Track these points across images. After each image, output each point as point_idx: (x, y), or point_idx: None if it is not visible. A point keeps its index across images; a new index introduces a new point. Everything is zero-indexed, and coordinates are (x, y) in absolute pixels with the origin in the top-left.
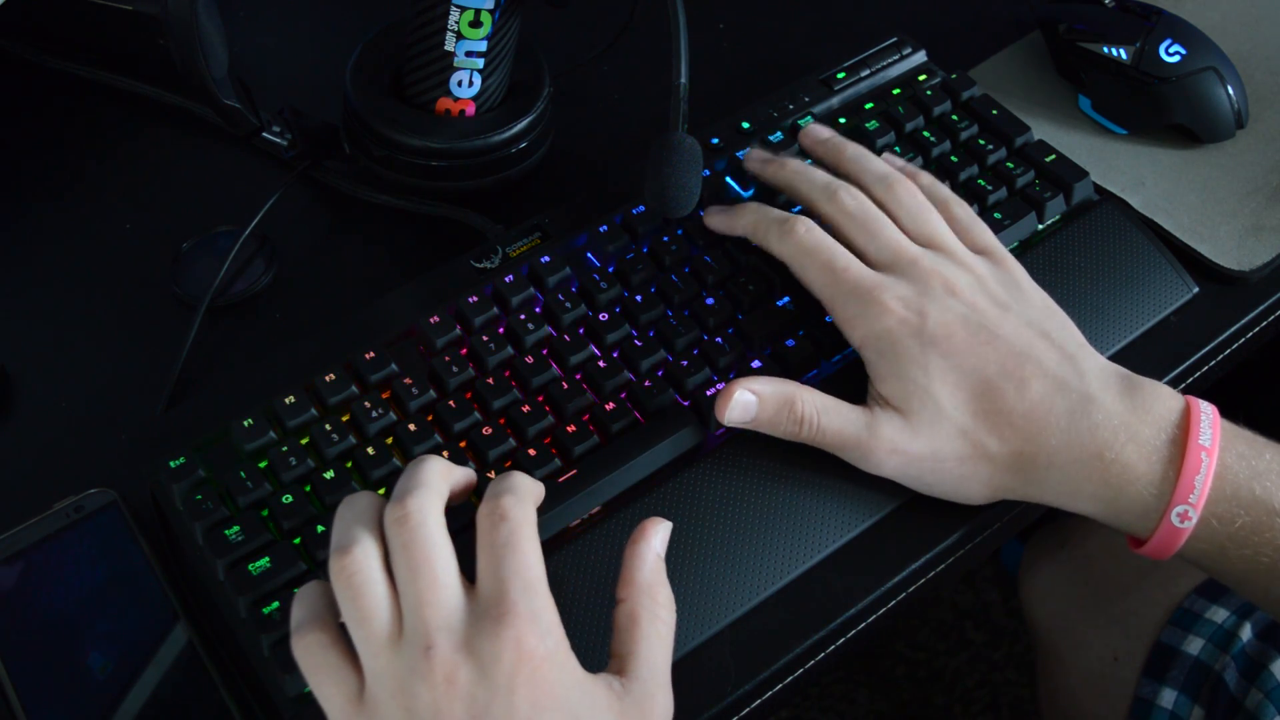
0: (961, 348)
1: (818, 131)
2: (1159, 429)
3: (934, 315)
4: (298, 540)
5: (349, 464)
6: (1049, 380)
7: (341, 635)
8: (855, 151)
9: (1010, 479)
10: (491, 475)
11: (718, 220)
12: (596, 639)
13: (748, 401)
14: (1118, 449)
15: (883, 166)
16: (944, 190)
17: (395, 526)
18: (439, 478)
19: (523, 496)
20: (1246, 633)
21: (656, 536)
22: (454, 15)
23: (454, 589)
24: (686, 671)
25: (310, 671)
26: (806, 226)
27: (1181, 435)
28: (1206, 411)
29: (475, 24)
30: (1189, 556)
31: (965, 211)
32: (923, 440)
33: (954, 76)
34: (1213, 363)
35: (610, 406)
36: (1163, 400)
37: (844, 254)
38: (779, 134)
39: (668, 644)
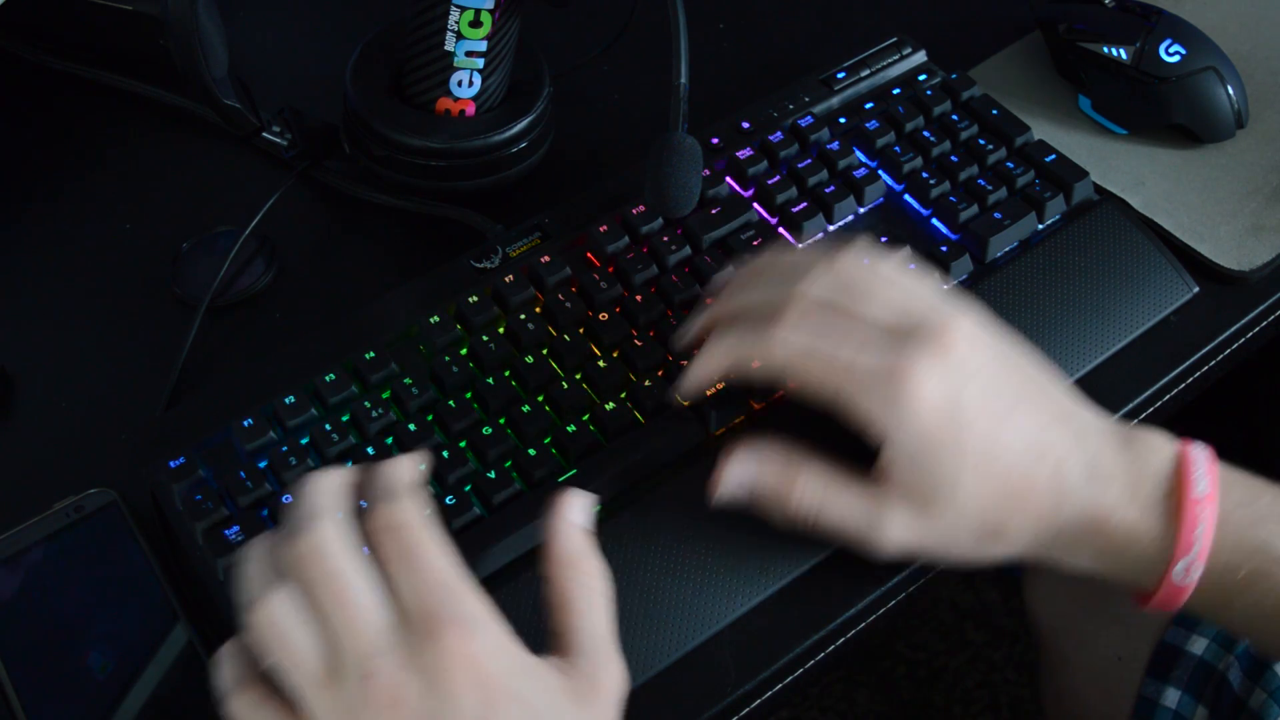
0: (993, 426)
1: (716, 278)
2: (1156, 484)
3: (967, 393)
4: None
5: (349, 464)
6: (1062, 447)
7: (270, 689)
8: (768, 258)
9: (1022, 549)
10: (492, 475)
11: (692, 383)
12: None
13: (743, 480)
14: (1122, 511)
15: (807, 257)
16: (873, 245)
17: (297, 567)
18: (328, 497)
19: (400, 494)
20: None
21: (572, 509)
22: (454, 15)
23: (376, 611)
24: (686, 671)
25: None
26: (781, 337)
27: (1178, 488)
28: (1200, 460)
29: (475, 24)
30: (1194, 608)
31: (906, 258)
32: (938, 530)
33: (954, 76)
34: (1213, 363)
35: (610, 406)
36: (1156, 451)
37: (841, 347)
38: (779, 134)
39: (604, 613)
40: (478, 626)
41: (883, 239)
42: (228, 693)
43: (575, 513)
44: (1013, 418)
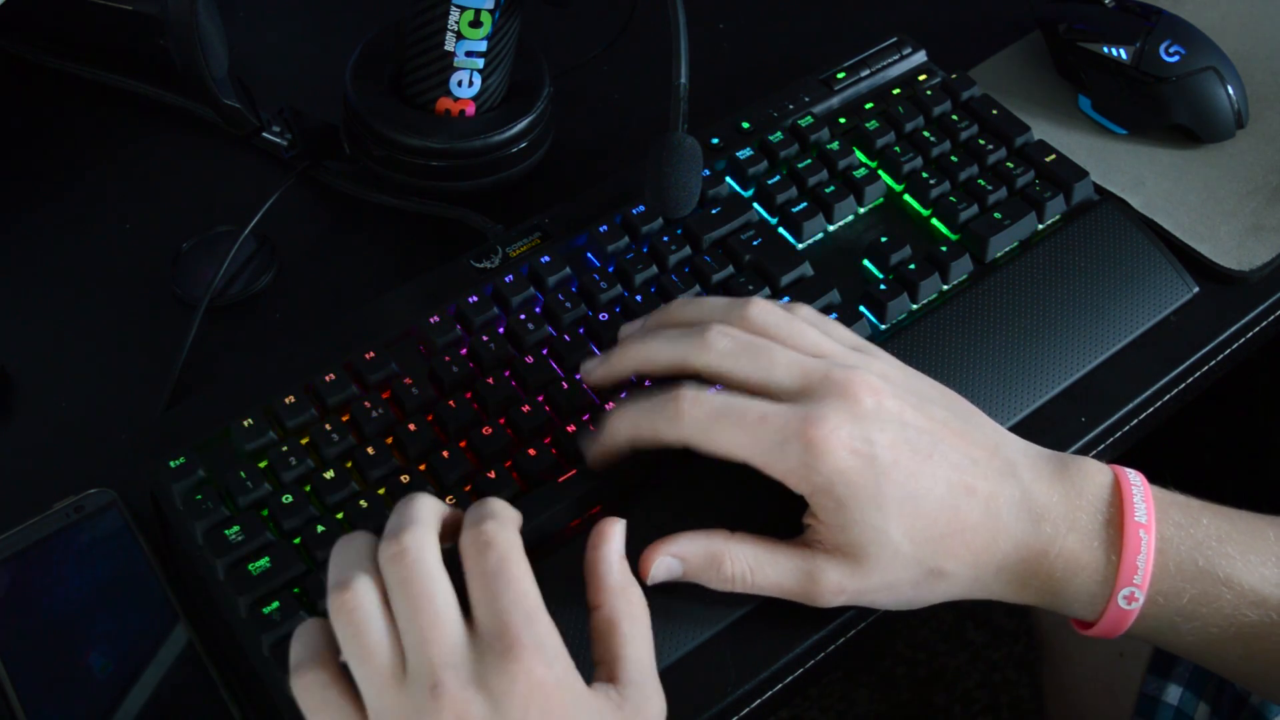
0: (912, 472)
1: (627, 326)
2: (1094, 512)
3: (879, 441)
4: (298, 540)
5: (349, 464)
6: (990, 482)
7: (342, 674)
8: (679, 303)
9: (964, 588)
10: (492, 475)
11: (597, 457)
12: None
13: (671, 565)
14: (1060, 542)
15: (717, 300)
16: (778, 303)
17: (392, 564)
18: (430, 513)
19: (505, 521)
20: None
21: (616, 538)
22: (454, 15)
23: (456, 624)
24: (686, 671)
25: (310, 711)
26: (690, 397)
27: (1117, 515)
28: (1137, 484)
29: (475, 24)
30: (1139, 634)
31: (814, 312)
32: (875, 579)
33: (954, 76)
34: (1213, 363)
35: (610, 406)
36: (1091, 477)
37: (752, 404)
38: (779, 134)
39: (649, 642)
40: (553, 658)
41: (784, 299)
42: (296, 667)
43: (618, 541)
44: (932, 460)
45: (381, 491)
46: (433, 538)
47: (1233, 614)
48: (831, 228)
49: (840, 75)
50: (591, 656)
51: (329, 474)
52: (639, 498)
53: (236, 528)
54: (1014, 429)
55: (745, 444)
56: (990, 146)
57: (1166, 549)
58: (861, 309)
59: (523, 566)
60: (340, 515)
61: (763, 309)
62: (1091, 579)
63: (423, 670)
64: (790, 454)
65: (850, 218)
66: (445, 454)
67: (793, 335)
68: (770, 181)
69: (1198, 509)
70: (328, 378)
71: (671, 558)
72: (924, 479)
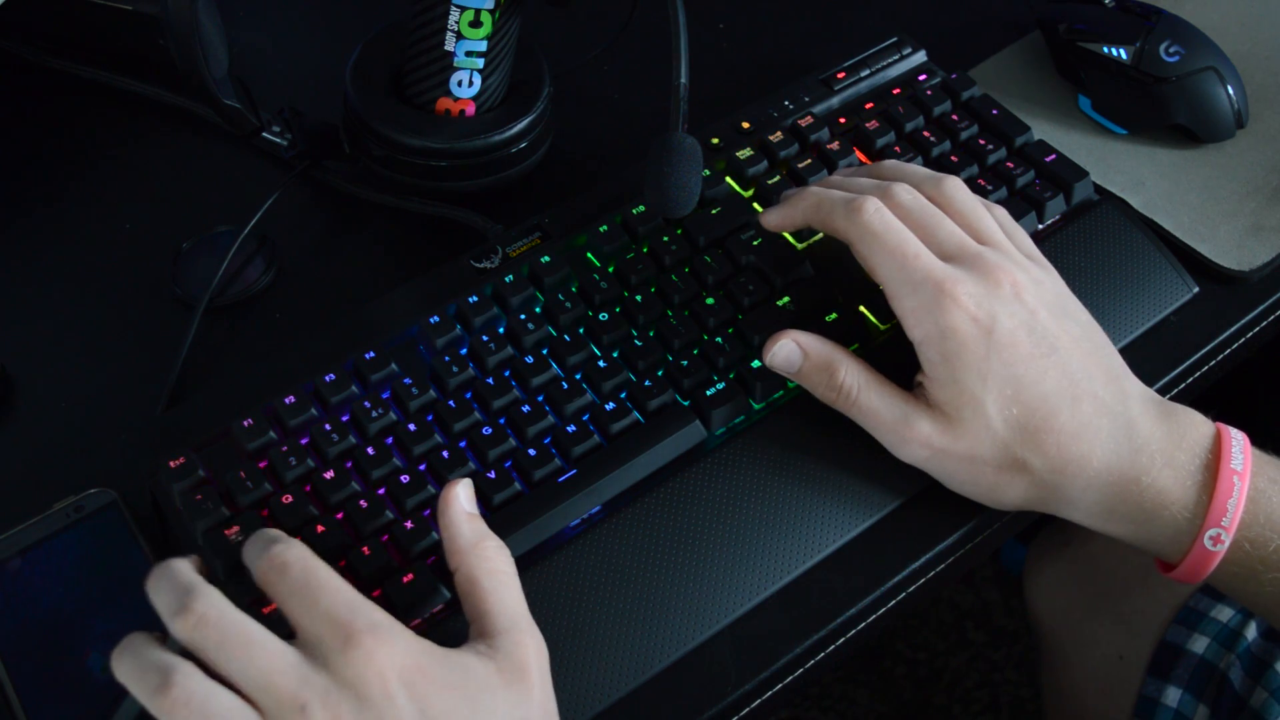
0: (1024, 357)
1: (842, 169)
2: (1193, 454)
3: (1002, 319)
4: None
5: (349, 464)
6: (1098, 401)
7: None
8: (892, 162)
9: (1044, 494)
10: (492, 475)
11: (775, 217)
12: (599, 638)
13: (790, 351)
14: (1154, 474)
15: (925, 169)
16: (980, 198)
17: (197, 632)
18: (195, 573)
19: (288, 540)
20: (1252, 631)
21: (460, 498)
22: (454, 15)
23: (287, 648)
24: (686, 671)
25: None
26: (875, 206)
27: (1214, 460)
28: (1237, 438)
29: (475, 24)
30: (1219, 581)
31: (1008, 217)
32: (963, 444)
33: (954, 76)
34: (1213, 363)
35: (610, 406)
36: (1196, 426)
37: (914, 240)
38: (779, 134)
39: (514, 589)
40: (389, 632)
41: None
42: None
43: (463, 499)
44: (1048, 358)
45: (382, 492)
46: (213, 592)
47: None
48: None
49: (840, 75)
50: (465, 618)
51: (329, 474)
52: (639, 498)
53: (237, 528)
54: None
55: (890, 269)
56: (990, 146)
57: (1259, 499)
58: (861, 309)
59: (326, 570)
60: (340, 515)
61: (956, 185)
62: (1180, 515)
63: (282, 704)
64: (919, 295)
65: None
66: (445, 454)
67: (970, 215)
68: (770, 181)
69: None
70: (327, 378)
71: (795, 345)
72: (1033, 369)
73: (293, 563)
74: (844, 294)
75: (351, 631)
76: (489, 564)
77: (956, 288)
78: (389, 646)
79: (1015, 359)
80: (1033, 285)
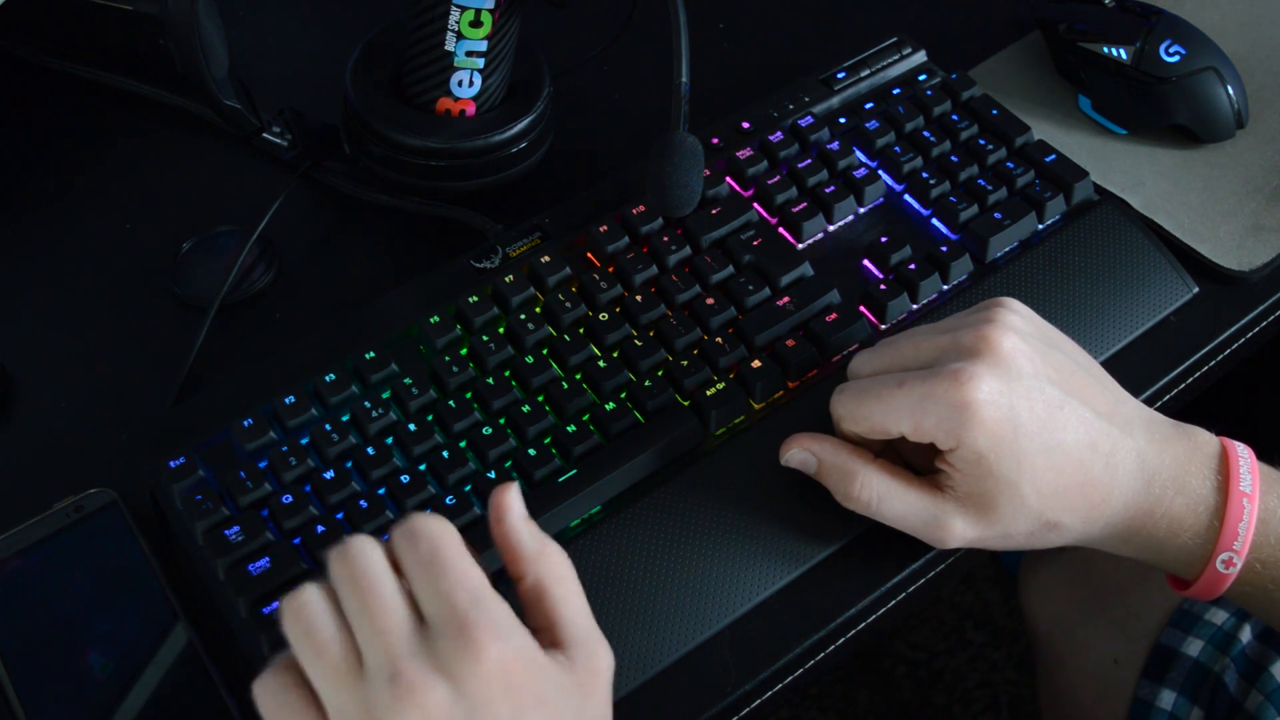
0: (1046, 423)
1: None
2: (1202, 478)
3: (1021, 398)
4: (298, 540)
5: (349, 464)
6: (1111, 440)
7: (304, 679)
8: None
9: (1071, 540)
10: (492, 475)
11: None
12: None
13: (806, 460)
14: (1167, 503)
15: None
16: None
17: (337, 564)
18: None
19: (431, 516)
20: (1246, 634)
21: (515, 504)
22: (454, 15)
23: (406, 615)
24: (686, 671)
25: (268, 714)
26: (840, 410)
27: (1223, 481)
28: (1244, 455)
29: (475, 24)
30: (1233, 598)
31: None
32: (997, 529)
33: (954, 76)
34: (1213, 363)
35: (610, 406)
36: (1200, 447)
37: (886, 376)
38: (779, 134)
39: (581, 597)
40: (507, 631)
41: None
42: (262, 673)
43: (518, 506)
44: (1063, 413)
45: (382, 491)
46: (375, 543)
47: None
48: (831, 228)
49: (840, 75)
50: (530, 626)
51: (329, 474)
52: (639, 498)
53: (236, 528)
54: None
55: (888, 412)
56: (990, 146)
57: (1269, 519)
58: (861, 309)
59: (457, 549)
60: (340, 515)
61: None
62: (1192, 541)
63: (379, 663)
64: (931, 410)
65: (850, 218)
66: (445, 454)
67: (922, 331)
68: (770, 181)
69: None
70: (328, 378)
71: (808, 454)
72: (1055, 432)
73: (422, 536)
74: (844, 294)
75: (467, 623)
76: (556, 570)
77: (971, 391)
78: (500, 647)
79: (1040, 429)
80: (1023, 342)
